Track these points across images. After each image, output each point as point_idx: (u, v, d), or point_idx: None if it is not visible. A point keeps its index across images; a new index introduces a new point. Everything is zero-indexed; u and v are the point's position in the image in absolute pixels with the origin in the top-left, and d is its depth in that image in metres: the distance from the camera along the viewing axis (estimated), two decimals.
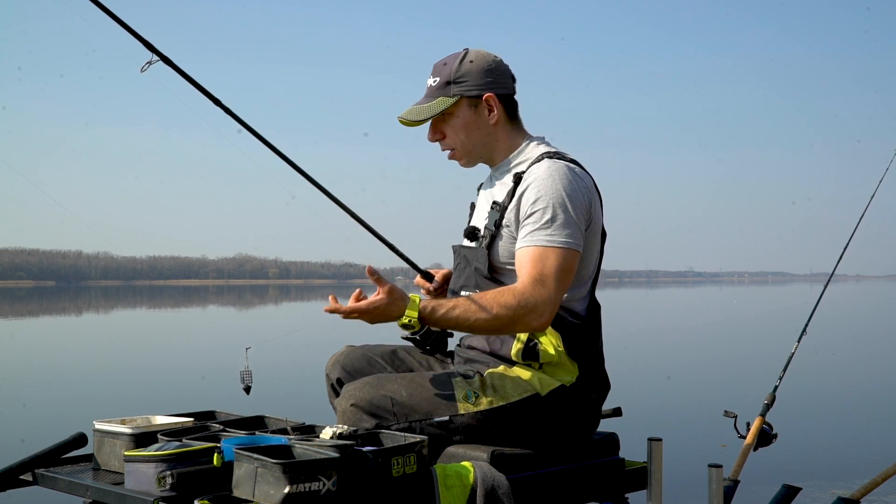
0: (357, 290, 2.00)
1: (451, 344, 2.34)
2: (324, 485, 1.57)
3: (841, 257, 3.89)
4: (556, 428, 2.06)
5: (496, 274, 2.11)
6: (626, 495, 2.24)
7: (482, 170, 2.28)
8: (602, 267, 2.18)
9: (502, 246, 2.09)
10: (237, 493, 1.63)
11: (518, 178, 2.08)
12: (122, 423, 2.03)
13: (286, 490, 1.54)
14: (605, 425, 2.31)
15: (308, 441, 1.75)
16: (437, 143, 2.22)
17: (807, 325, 3.63)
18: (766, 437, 3.28)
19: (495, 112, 2.14)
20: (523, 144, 2.17)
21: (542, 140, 2.20)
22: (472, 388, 2.02)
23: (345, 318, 1.99)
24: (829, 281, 3.89)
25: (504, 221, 2.09)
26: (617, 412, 2.57)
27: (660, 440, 2.28)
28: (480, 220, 2.19)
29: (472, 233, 2.17)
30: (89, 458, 2.11)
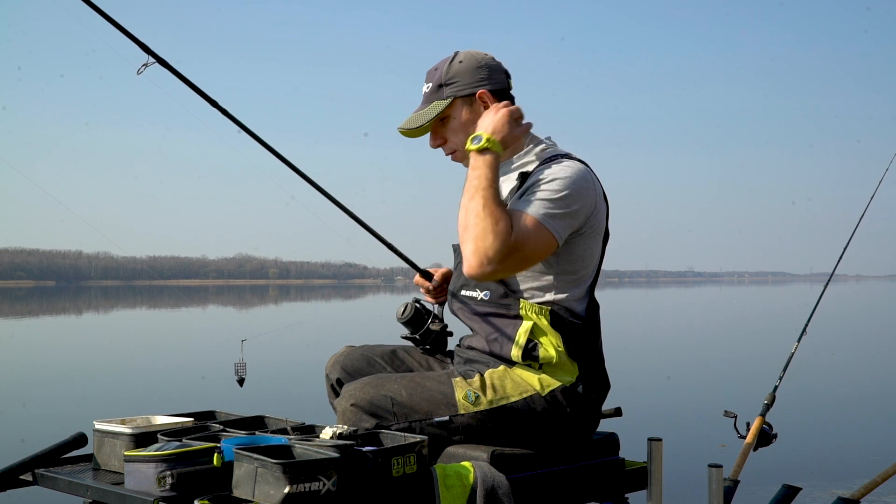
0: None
1: (451, 344, 2.34)
2: (324, 485, 1.57)
3: (841, 257, 3.89)
4: (556, 428, 2.06)
5: None
6: (626, 495, 2.24)
7: None
8: (602, 267, 2.18)
9: None
10: (237, 493, 1.63)
11: (524, 177, 2.07)
12: (122, 423, 2.03)
13: (286, 490, 1.54)
14: (605, 425, 2.31)
15: (308, 441, 1.75)
16: (440, 148, 2.22)
17: (807, 325, 3.63)
18: (766, 437, 3.29)
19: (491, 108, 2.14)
20: (530, 146, 2.16)
21: (549, 142, 2.19)
22: (472, 388, 2.02)
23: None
24: (829, 281, 3.90)
25: None
26: (617, 412, 2.57)
27: (660, 440, 2.28)
28: None
29: None
30: (89, 458, 2.11)
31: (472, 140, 2.00)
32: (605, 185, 2.15)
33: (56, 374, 11.09)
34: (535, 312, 2.03)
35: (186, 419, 2.16)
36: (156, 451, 1.74)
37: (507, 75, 2.20)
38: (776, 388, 3.46)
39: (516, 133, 2.07)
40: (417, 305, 2.35)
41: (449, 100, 2.14)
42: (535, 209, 1.95)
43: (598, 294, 2.19)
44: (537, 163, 2.09)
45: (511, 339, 2.05)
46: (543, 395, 2.02)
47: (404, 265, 2.43)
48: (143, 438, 1.95)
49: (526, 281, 2.06)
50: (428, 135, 2.21)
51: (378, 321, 20.30)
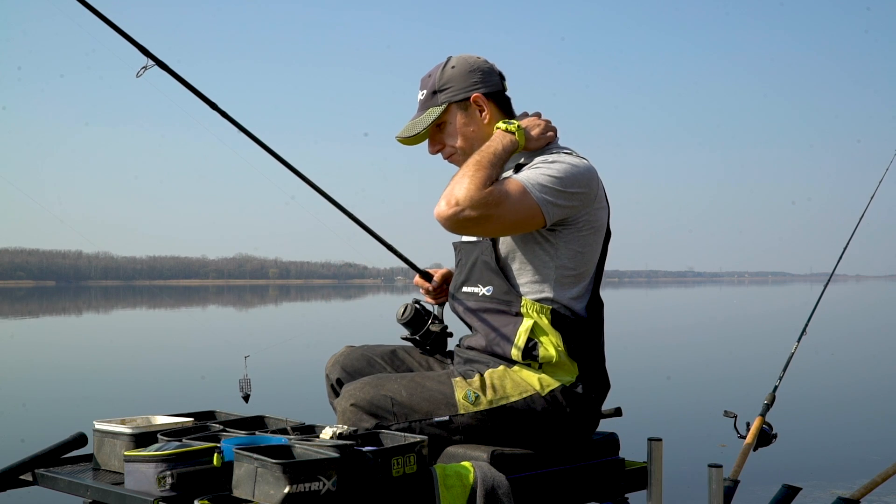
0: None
1: (451, 344, 2.34)
2: (324, 485, 1.57)
3: (841, 257, 3.89)
4: (556, 428, 2.06)
5: (503, 265, 2.10)
6: (626, 495, 2.24)
7: None
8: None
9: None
10: (237, 493, 1.63)
11: (521, 168, 2.08)
12: (122, 423, 2.03)
13: (286, 490, 1.54)
14: (605, 425, 2.31)
15: (308, 441, 1.75)
16: (439, 154, 2.23)
17: (807, 325, 3.63)
18: (766, 437, 3.28)
19: (486, 111, 2.15)
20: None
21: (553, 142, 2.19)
22: (472, 388, 2.02)
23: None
24: (829, 281, 3.90)
25: None
26: (617, 412, 2.57)
27: (660, 440, 2.28)
28: None
29: None
30: (89, 458, 2.11)
31: (507, 122, 2.09)
32: (605, 184, 2.16)
33: (56, 374, 11.09)
34: (535, 311, 2.04)
35: (186, 419, 2.16)
36: (156, 451, 1.74)
37: (502, 77, 2.22)
38: (776, 388, 3.46)
39: (542, 141, 2.12)
40: (417, 306, 2.35)
41: (444, 105, 2.15)
42: (525, 177, 1.98)
43: None
44: (539, 155, 2.11)
45: (511, 339, 2.05)
46: (543, 394, 2.02)
47: (404, 265, 2.44)
48: (143, 438, 1.95)
49: (525, 276, 2.07)
50: (426, 141, 2.22)
51: (378, 321, 20.30)
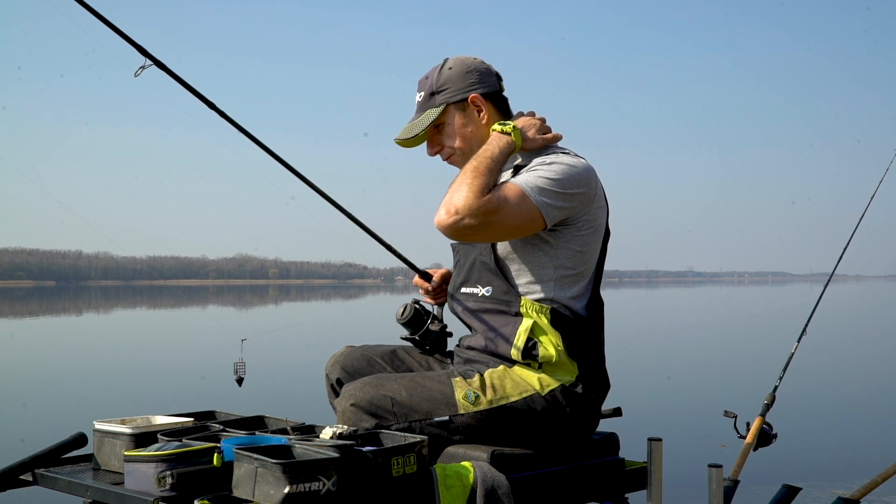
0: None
1: (451, 344, 2.34)
2: (324, 485, 1.57)
3: (841, 257, 3.89)
4: (556, 428, 2.06)
5: (501, 266, 2.10)
6: (626, 495, 2.24)
7: None
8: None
9: None
10: (237, 493, 1.63)
11: (519, 170, 2.08)
12: (122, 423, 2.03)
13: (286, 490, 1.54)
14: (605, 425, 2.31)
15: (308, 441, 1.75)
16: (438, 155, 2.24)
17: (807, 325, 3.63)
18: (766, 437, 3.28)
19: (484, 111, 2.15)
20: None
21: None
22: (472, 388, 2.02)
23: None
24: (829, 281, 3.90)
25: None
26: (617, 412, 2.57)
27: (660, 440, 2.28)
28: None
29: None
30: (89, 458, 2.11)
31: (502, 123, 2.09)
32: (605, 184, 2.16)
33: (56, 374, 11.10)
34: (535, 311, 2.04)
35: (186, 419, 2.16)
36: (156, 451, 1.74)
37: (499, 78, 2.22)
38: (776, 388, 3.46)
39: (538, 141, 2.12)
40: (417, 306, 2.35)
41: (442, 107, 2.15)
42: (524, 181, 1.98)
43: None
44: (537, 156, 2.10)
45: (510, 339, 2.05)
46: (543, 394, 2.02)
47: (404, 265, 2.44)
48: (143, 438, 1.95)
49: (525, 276, 2.07)
50: (425, 143, 2.22)
51: (378, 321, 20.30)
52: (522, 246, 2.07)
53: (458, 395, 2.01)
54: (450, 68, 2.17)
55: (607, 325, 2.17)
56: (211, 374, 9.64)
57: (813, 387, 9.25)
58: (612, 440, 2.23)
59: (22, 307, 37.92)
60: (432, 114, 2.16)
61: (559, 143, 2.19)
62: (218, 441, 1.79)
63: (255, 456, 1.60)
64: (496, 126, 2.09)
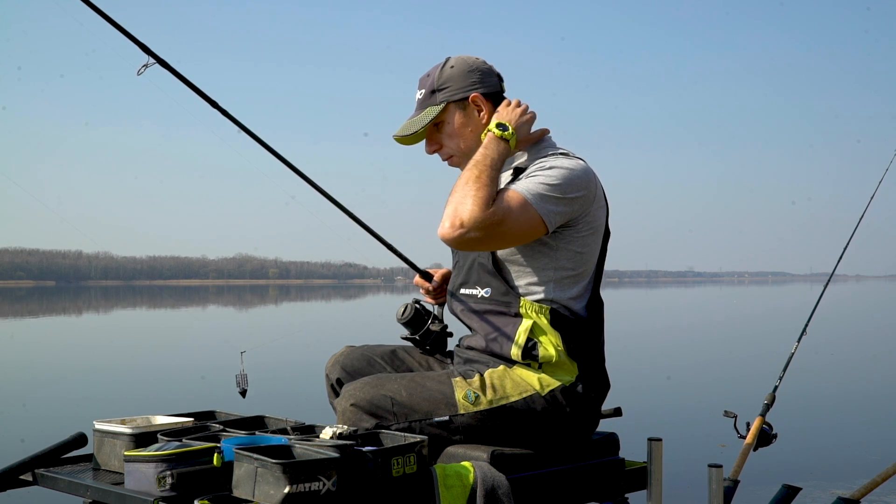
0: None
1: (451, 344, 2.34)
2: (324, 485, 1.57)
3: (841, 257, 3.89)
4: (556, 428, 2.06)
5: (500, 267, 2.10)
6: (626, 495, 2.24)
7: None
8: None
9: None
10: (237, 493, 1.63)
11: (519, 172, 2.08)
12: (122, 423, 2.03)
13: (286, 490, 1.54)
14: (605, 425, 2.31)
15: (308, 441, 1.75)
16: (437, 153, 2.23)
17: (807, 325, 3.63)
18: (766, 437, 3.28)
19: (484, 111, 2.15)
20: (531, 146, 2.17)
21: (549, 140, 2.19)
22: (472, 388, 2.02)
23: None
24: (829, 281, 3.90)
25: None
26: (617, 412, 2.57)
27: (660, 440, 2.28)
28: None
29: None
30: (89, 458, 2.11)
31: (498, 126, 2.06)
32: (605, 184, 2.16)
33: (56, 374, 11.09)
34: (535, 311, 2.04)
35: (186, 419, 2.16)
36: (156, 451, 1.74)
37: (500, 78, 2.22)
38: (776, 388, 3.46)
39: (531, 136, 2.13)
40: (417, 306, 2.35)
41: (442, 105, 2.15)
42: (524, 188, 1.97)
43: None
44: (535, 158, 2.10)
45: (510, 339, 2.05)
46: (543, 394, 2.02)
47: (404, 265, 2.44)
48: (143, 438, 1.95)
49: (524, 277, 2.07)
50: (424, 141, 2.22)
51: (378, 321, 20.30)
52: (522, 248, 2.07)
53: (458, 395, 2.01)
54: (452, 67, 2.17)
55: (607, 325, 2.17)
56: (211, 375, 9.64)
57: (813, 387, 9.25)
58: (612, 440, 2.23)
59: (22, 307, 37.93)
60: (432, 111, 2.16)
61: (559, 143, 2.19)
62: (218, 441, 1.79)
63: (255, 456, 1.60)
64: (494, 129, 2.07)
